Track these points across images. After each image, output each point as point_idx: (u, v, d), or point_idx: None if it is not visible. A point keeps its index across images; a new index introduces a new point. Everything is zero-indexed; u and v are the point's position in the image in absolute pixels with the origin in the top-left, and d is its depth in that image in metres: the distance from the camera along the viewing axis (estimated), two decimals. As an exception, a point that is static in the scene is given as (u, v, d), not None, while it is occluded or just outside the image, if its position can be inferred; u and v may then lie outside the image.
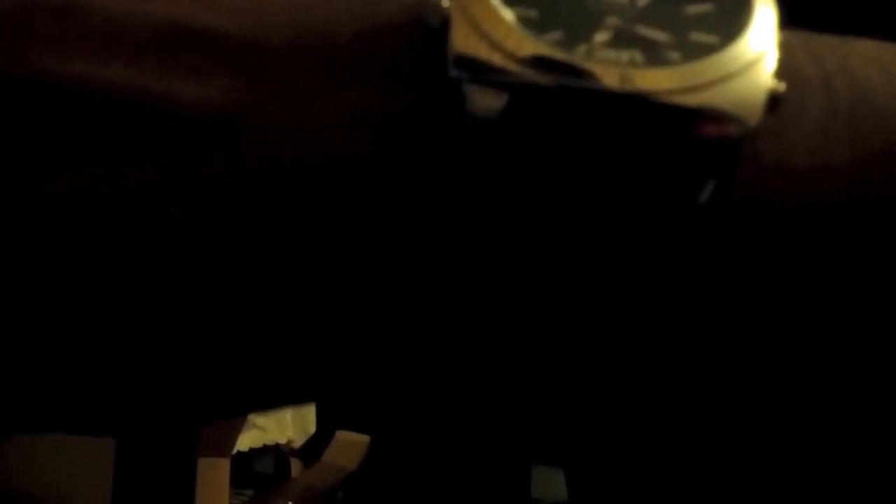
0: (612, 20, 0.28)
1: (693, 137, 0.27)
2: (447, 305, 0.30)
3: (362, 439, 0.70)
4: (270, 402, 0.33)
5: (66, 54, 0.29)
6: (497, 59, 0.28)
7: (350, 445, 0.71)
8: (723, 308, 0.29)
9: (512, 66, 0.28)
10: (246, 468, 0.73)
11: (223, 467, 0.67)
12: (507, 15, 0.28)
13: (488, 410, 0.32)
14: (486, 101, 0.27)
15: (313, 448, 0.72)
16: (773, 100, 0.28)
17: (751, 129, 0.27)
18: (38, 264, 0.29)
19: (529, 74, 0.27)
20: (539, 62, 0.28)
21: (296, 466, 0.73)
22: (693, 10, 0.28)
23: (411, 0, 0.30)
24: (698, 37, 0.28)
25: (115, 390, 0.31)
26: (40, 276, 0.29)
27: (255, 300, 0.30)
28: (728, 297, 0.29)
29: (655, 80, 0.27)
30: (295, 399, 0.33)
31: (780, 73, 0.28)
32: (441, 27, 0.28)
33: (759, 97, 0.28)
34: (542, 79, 0.27)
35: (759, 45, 0.28)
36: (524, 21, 0.28)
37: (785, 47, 0.28)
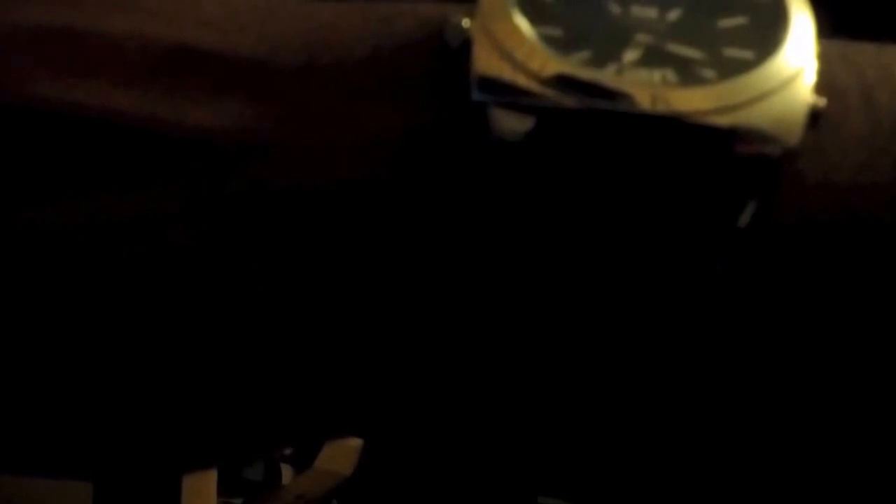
0: (642, 37, 0.27)
1: (731, 159, 0.26)
2: (454, 321, 0.29)
3: (355, 443, 0.68)
4: (266, 449, 0.32)
5: (65, 80, 0.28)
6: (522, 81, 0.27)
7: (343, 451, 0.70)
8: (758, 334, 0.28)
9: (538, 88, 0.27)
10: (234, 476, 0.71)
11: (210, 475, 0.65)
12: (532, 34, 0.27)
13: (489, 420, 0.31)
14: (511, 124, 0.27)
15: (305, 454, 0.71)
16: (814, 116, 0.27)
17: (791, 149, 0.26)
18: (26, 297, 0.28)
19: (556, 96, 0.26)
20: (566, 83, 0.27)
21: (287, 473, 0.72)
22: (726, 23, 0.27)
23: (428, 17, 0.29)
24: (733, 52, 0.27)
25: (98, 434, 0.30)
26: (25, 310, 0.28)
27: (256, 340, 0.29)
28: (766, 323, 0.28)
29: (689, 101, 0.26)
30: (294, 441, 0.32)
31: (820, 86, 0.27)
32: (462, 48, 0.27)
33: (799, 114, 0.27)
34: (570, 101, 0.26)
35: (797, 59, 0.27)
36: (549, 41, 0.27)
37: (823, 58, 0.27)
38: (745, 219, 0.27)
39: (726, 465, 0.31)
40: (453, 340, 0.29)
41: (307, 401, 0.29)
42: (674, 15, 0.28)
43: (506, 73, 0.27)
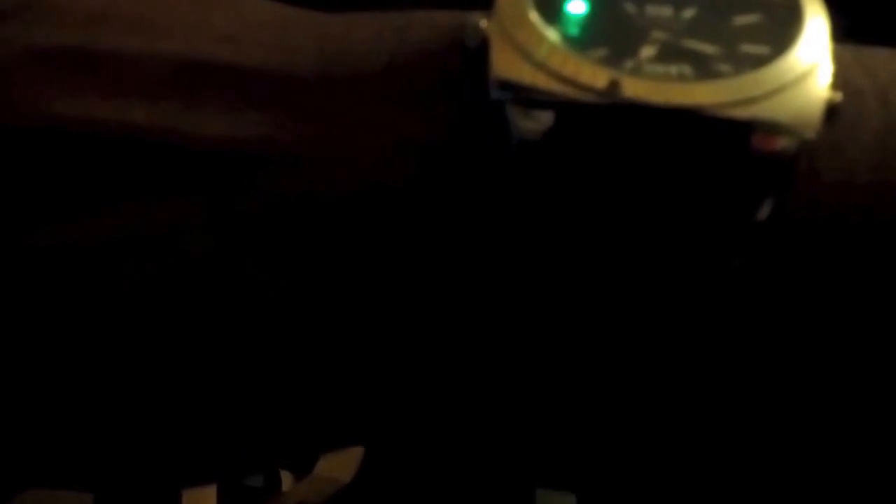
0: (658, 34, 0.27)
1: (749, 152, 0.27)
2: (457, 318, 0.29)
3: (355, 450, 0.68)
4: (270, 462, 0.32)
5: (83, 99, 0.28)
6: (540, 80, 0.27)
7: (343, 456, 0.70)
8: (773, 330, 0.29)
9: (556, 86, 0.27)
10: (234, 482, 0.71)
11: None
12: (549, 33, 0.27)
13: (490, 419, 0.31)
14: (530, 122, 0.27)
15: (305, 460, 0.71)
16: (830, 111, 0.27)
17: (808, 142, 0.27)
18: (41, 312, 0.29)
19: (574, 93, 0.27)
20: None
21: (287, 480, 0.72)
22: (741, 20, 0.28)
23: (443, 24, 0.29)
24: (748, 48, 0.27)
25: (105, 444, 0.30)
26: (40, 324, 0.29)
27: (274, 348, 0.29)
28: (781, 318, 0.28)
29: (707, 94, 0.27)
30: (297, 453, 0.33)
31: (836, 86, 0.27)
32: (480, 48, 0.28)
33: (816, 108, 0.27)
34: (589, 97, 0.27)
35: (812, 56, 0.27)
36: (567, 39, 0.27)
37: (837, 60, 0.28)
38: (763, 214, 0.27)
39: (733, 457, 0.31)
40: (472, 338, 0.29)
41: (315, 413, 0.30)
42: (689, 13, 0.28)
43: (525, 71, 0.27)
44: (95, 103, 0.28)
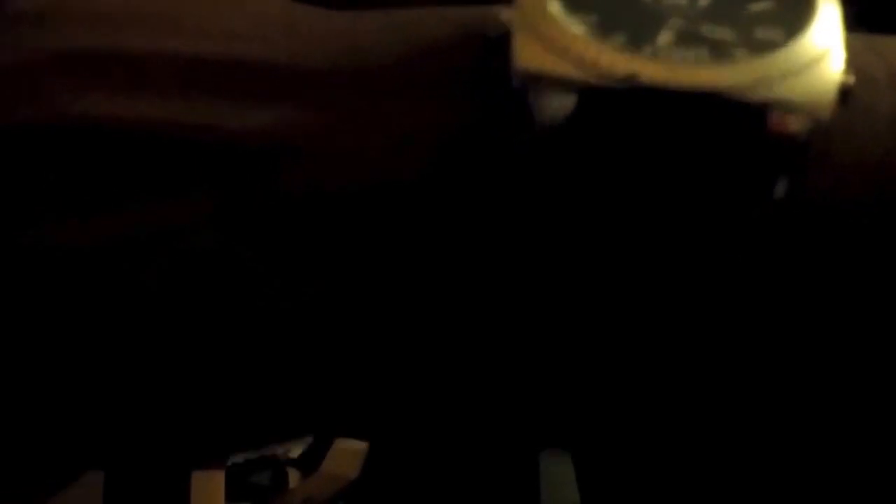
0: (675, 21, 0.28)
1: (764, 133, 0.27)
2: (465, 312, 0.30)
3: (361, 447, 0.68)
4: (274, 439, 0.32)
5: (92, 97, 0.29)
6: (562, 67, 0.28)
7: (349, 453, 0.70)
8: (786, 313, 0.29)
9: (577, 73, 0.27)
10: (241, 480, 0.71)
11: (218, 480, 0.65)
12: (570, 22, 0.28)
13: (493, 412, 0.32)
14: (552, 109, 0.27)
15: (311, 457, 0.71)
16: (844, 93, 0.28)
17: (822, 123, 0.27)
18: (54, 304, 0.29)
19: (596, 79, 0.27)
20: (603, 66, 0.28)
21: (294, 477, 0.72)
22: (755, 7, 0.29)
23: (453, 19, 0.30)
24: (763, 33, 0.28)
25: (115, 423, 0.30)
26: (45, 318, 0.29)
27: (281, 338, 0.29)
28: (794, 300, 0.29)
29: (723, 76, 0.27)
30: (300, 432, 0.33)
31: (849, 69, 0.28)
32: (500, 38, 0.28)
33: (830, 89, 0.28)
34: (609, 83, 0.27)
35: (825, 41, 0.28)
36: (587, 27, 0.28)
37: (850, 47, 0.28)
38: (777, 195, 0.27)
39: (742, 446, 0.31)
40: (484, 331, 0.29)
41: (321, 396, 0.30)
42: (705, 0, 0.29)
43: (546, 60, 0.28)
44: (111, 101, 0.29)
